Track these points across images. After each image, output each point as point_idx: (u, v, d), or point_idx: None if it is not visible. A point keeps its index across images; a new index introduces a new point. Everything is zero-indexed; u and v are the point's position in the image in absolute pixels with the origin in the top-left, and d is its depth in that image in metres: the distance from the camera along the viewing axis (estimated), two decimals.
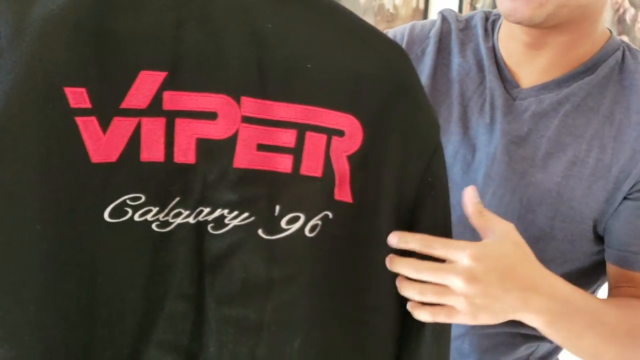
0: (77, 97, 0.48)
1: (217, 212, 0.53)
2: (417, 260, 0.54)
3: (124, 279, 0.52)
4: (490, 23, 0.75)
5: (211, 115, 0.51)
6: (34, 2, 0.47)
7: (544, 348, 0.77)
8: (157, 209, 0.51)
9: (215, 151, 0.52)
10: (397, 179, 0.58)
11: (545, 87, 0.68)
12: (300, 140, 0.54)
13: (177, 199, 0.52)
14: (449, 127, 0.71)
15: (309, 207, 0.55)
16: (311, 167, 0.55)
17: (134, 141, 0.50)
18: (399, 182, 0.58)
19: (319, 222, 0.55)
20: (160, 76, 0.50)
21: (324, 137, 0.54)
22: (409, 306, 0.55)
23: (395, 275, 0.55)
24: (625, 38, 1.47)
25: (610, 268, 0.67)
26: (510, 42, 0.70)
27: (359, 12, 3.35)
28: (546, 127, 0.67)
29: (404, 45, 0.76)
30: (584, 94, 0.66)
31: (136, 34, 0.49)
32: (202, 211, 0.53)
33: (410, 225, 0.58)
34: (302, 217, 0.55)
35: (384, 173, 0.57)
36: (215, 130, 0.51)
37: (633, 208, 0.64)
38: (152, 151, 0.51)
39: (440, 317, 0.53)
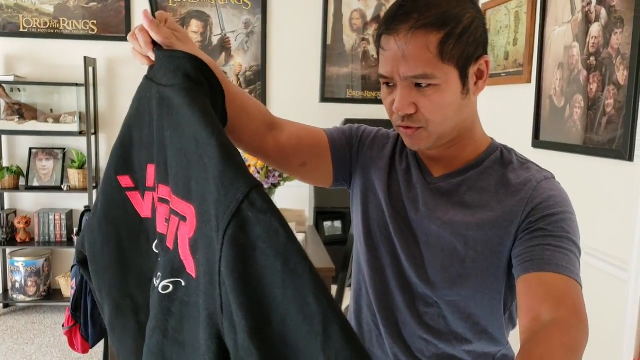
0: (125, 180, 0.82)
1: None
2: None
3: (150, 280, 0.80)
4: None
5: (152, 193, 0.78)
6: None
7: None
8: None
9: (153, 219, 0.78)
10: (208, 267, 0.58)
11: (449, 175, 0.98)
12: (168, 218, 0.71)
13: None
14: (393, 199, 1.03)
15: (163, 270, 0.70)
16: (169, 240, 0.70)
17: (154, 206, 0.79)
18: (210, 271, 0.57)
19: (170, 285, 0.67)
20: (154, 167, 0.78)
21: (177, 219, 0.68)
22: None
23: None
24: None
25: (520, 283, 0.84)
26: (423, 152, 1.02)
27: (345, 59, 3.69)
28: (452, 201, 0.97)
29: (370, 138, 1.08)
30: (475, 178, 0.96)
31: (144, 142, 0.80)
32: None
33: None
34: (160, 276, 0.70)
35: (203, 260, 0.60)
36: (154, 205, 0.78)
37: (526, 238, 0.89)
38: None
39: None
